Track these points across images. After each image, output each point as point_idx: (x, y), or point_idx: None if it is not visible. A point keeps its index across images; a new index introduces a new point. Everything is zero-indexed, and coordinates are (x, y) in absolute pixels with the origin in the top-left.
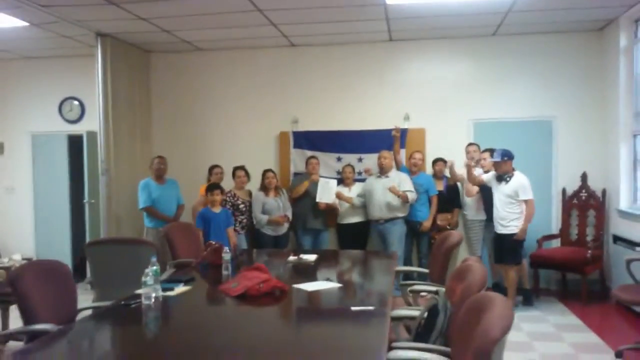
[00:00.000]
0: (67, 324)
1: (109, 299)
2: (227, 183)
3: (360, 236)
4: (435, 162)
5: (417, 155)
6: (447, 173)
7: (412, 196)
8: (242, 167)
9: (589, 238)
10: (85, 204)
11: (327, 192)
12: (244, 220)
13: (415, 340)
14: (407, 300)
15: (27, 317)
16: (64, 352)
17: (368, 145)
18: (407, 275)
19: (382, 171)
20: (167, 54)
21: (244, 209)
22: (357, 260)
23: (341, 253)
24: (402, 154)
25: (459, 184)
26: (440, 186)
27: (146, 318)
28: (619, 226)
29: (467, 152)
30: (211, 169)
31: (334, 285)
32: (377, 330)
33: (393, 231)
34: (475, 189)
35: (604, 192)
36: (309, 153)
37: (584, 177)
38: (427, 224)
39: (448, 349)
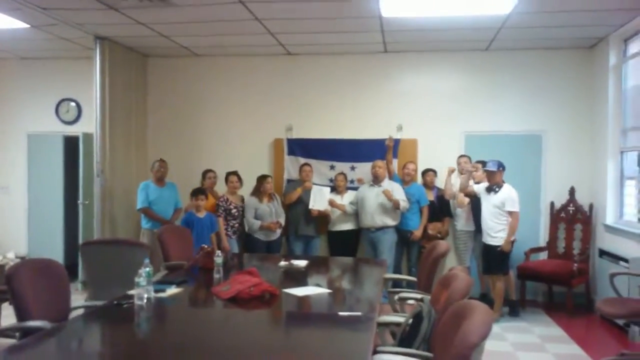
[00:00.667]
0: (60, 322)
1: (101, 298)
2: (221, 188)
3: (350, 244)
4: (425, 172)
5: (411, 166)
6: (438, 184)
7: (404, 204)
8: (235, 173)
9: (575, 251)
10: (79, 205)
11: (320, 199)
12: (236, 225)
13: (400, 345)
14: (394, 307)
15: (21, 314)
16: (57, 349)
17: (361, 154)
18: (396, 284)
19: (376, 180)
20: (164, 59)
21: (236, 213)
22: (347, 267)
23: (331, 260)
24: (395, 164)
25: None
26: (431, 196)
27: (138, 318)
28: (605, 240)
29: (459, 164)
30: (205, 173)
31: (324, 290)
32: (363, 335)
33: (384, 239)
34: (466, 200)
35: (591, 206)
36: (303, 160)
37: (572, 191)
38: (417, 233)
39: (430, 355)
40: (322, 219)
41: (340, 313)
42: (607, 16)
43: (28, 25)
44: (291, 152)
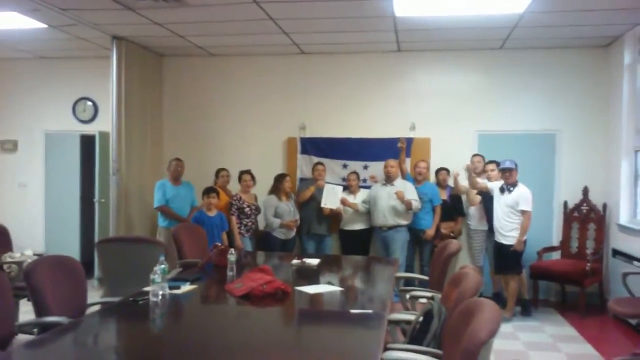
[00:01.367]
0: (76, 318)
1: (117, 295)
2: (234, 187)
3: (362, 243)
4: (438, 171)
5: (422, 164)
6: (450, 182)
7: (416, 205)
8: (248, 171)
9: (588, 251)
10: (96, 203)
11: (332, 197)
12: (249, 224)
13: (410, 343)
14: (405, 306)
15: (40, 309)
16: (75, 345)
17: (374, 153)
18: (408, 282)
19: (388, 179)
20: (180, 58)
21: (249, 212)
22: (358, 266)
23: (343, 258)
24: (408, 163)
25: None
26: (444, 195)
27: (153, 314)
28: (618, 240)
29: (472, 163)
30: (218, 172)
31: (335, 288)
32: (373, 333)
33: (396, 238)
34: (478, 198)
35: (604, 206)
36: (316, 159)
37: (585, 190)
38: (430, 232)
39: (440, 352)
40: (335, 217)
41: (352, 311)
42: (621, 15)
43: (46, 26)
44: (304, 151)
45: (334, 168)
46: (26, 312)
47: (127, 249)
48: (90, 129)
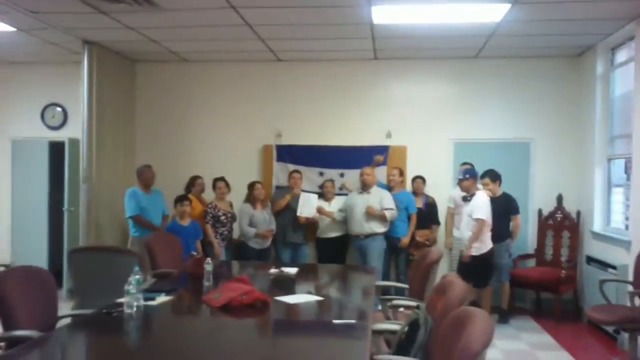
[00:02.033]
0: (47, 331)
1: (88, 307)
2: (208, 194)
3: (339, 251)
4: (414, 179)
5: (394, 172)
6: (426, 191)
7: (391, 214)
8: (222, 179)
9: (563, 258)
10: (65, 212)
11: (308, 206)
12: (225, 232)
13: (396, 353)
14: (386, 315)
15: (8, 323)
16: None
17: (350, 161)
18: (385, 291)
19: (364, 187)
20: (153, 64)
21: (224, 220)
22: (336, 275)
23: (321, 267)
24: (384, 171)
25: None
26: (419, 203)
27: (128, 327)
28: (592, 247)
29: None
30: (193, 179)
31: (315, 298)
32: (358, 343)
33: (373, 247)
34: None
35: (578, 213)
36: (292, 167)
37: (559, 198)
38: (405, 240)
39: None
40: (311, 226)
41: (335, 321)
42: (595, 25)
43: (15, 29)
44: (280, 159)
45: (310, 176)
46: None
47: (100, 258)
48: (60, 135)
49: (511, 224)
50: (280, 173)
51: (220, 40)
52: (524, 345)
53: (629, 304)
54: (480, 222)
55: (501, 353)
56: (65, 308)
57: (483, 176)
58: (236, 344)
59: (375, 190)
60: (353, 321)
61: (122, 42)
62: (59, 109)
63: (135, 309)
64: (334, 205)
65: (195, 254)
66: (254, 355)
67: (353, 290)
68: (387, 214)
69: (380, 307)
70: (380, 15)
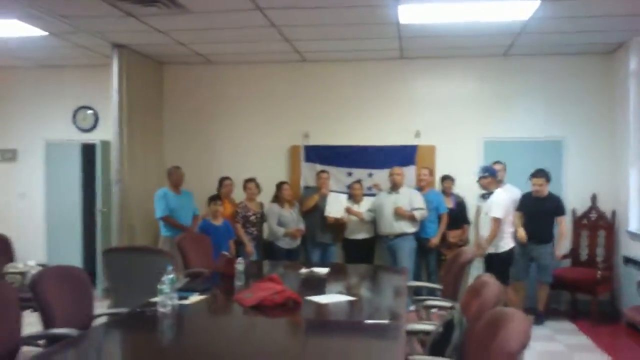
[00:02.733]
0: (84, 329)
1: (123, 306)
2: (238, 195)
3: (366, 252)
4: (443, 179)
5: (423, 172)
6: (456, 190)
7: (420, 214)
8: (252, 179)
9: (599, 259)
10: (97, 213)
11: (336, 206)
12: (255, 232)
13: (430, 354)
14: (419, 316)
15: (47, 321)
16: (84, 357)
17: (379, 161)
18: (416, 291)
19: (394, 187)
20: (180, 66)
21: (254, 220)
22: (367, 275)
23: (352, 267)
24: (413, 170)
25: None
26: (450, 203)
27: (162, 326)
28: (629, 247)
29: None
30: (221, 180)
31: (347, 298)
32: (392, 344)
33: (403, 247)
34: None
35: (613, 213)
36: (320, 167)
37: (593, 198)
38: (434, 240)
39: None
40: (339, 226)
41: (367, 321)
42: (627, 21)
43: (47, 33)
44: (308, 159)
45: (338, 176)
46: (29, 323)
47: (134, 258)
48: (91, 137)
49: (556, 225)
50: (308, 173)
51: (246, 42)
52: (561, 347)
53: None
54: (496, 220)
55: (538, 355)
56: (100, 307)
57: (537, 175)
58: (268, 343)
59: (404, 190)
60: (386, 321)
61: (150, 45)
62: (90, 111)
63: (169, 308)
64: (364, 206)
65: (226, 253)
66: (288, 355)
67: (384, 291)
68: (417, 214)
69: (413, 308)
70: (407, 15)
